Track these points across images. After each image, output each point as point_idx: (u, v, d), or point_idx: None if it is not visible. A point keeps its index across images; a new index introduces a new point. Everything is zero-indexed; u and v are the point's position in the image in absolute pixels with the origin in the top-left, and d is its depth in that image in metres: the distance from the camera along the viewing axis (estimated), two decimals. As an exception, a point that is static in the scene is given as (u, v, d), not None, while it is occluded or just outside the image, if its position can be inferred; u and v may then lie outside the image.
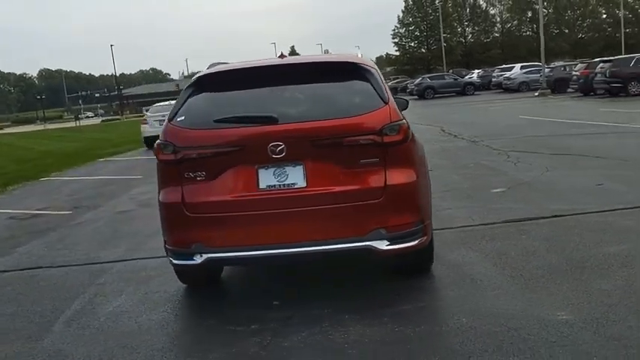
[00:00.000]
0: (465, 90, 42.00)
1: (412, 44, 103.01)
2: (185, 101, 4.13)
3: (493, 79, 43.57)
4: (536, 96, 31.50)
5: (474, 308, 3.86)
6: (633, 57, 25.84)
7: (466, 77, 47.28)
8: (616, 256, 4.63)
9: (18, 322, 4.45)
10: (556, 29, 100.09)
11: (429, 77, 44.89)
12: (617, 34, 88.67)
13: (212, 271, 4.62)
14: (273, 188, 3.86)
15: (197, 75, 4.35)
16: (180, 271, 4.50)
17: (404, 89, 54.09)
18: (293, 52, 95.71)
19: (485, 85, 44.18)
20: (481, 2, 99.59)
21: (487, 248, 5.13)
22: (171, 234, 4.12)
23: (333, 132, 3.83)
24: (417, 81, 45.19)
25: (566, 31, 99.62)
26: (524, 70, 40.65)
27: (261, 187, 3.87)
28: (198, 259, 3.96)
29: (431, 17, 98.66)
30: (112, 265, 5.77)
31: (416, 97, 42.33)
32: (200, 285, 4.74)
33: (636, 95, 23.75)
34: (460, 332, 3.55)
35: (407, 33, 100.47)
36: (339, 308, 4.05)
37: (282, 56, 4.57)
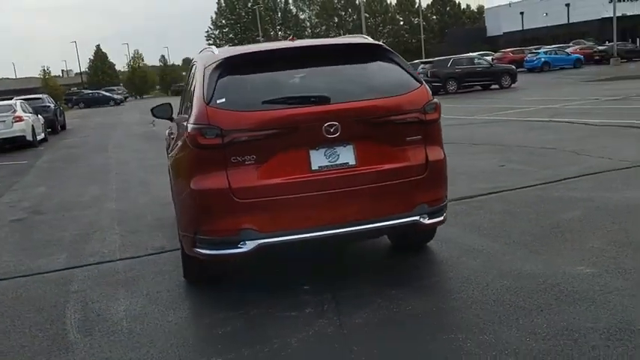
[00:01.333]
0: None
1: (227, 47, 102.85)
2: (216, 83, 3.92)
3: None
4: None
5: (504, 271, 4.19)
6: (450, 58, 28.64)
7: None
8: (579, 221, 5.28)
9: (19, 339, 3.89)
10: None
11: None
12: (413, 40, 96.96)
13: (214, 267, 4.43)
14: (325, 169, 3.84)
15: (222, 56, 4.14)
16: (188, 264, 4.31)
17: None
18: (98, 51, 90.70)
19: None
20: (291, 7, 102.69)
21: (460, 223, 5.50)
22: (211, 222, 3.88)
23: (383, 111, 3.92)
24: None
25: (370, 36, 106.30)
26: None
27: (313, 168, 3.84)
28: (247, 247, 3.80)
29: (244, 20, 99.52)
30: (70, 272, 5.22)
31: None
32: (204, 280, 4.51)
33: (453, 93, 26.36)
34: (511, 291, 3.84)
35: (221, 35, 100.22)
36: (377, 285, 4.15)
37: (293, 39, 4.54)
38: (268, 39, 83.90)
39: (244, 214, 3.79)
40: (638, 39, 54.41)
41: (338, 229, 3.86)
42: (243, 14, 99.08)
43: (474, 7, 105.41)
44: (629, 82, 23.26)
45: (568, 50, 43.38)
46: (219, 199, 3.80)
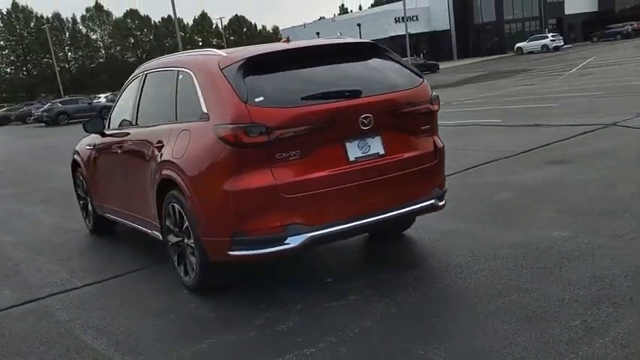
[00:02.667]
0: (102, 114, 41.17)
1: (8, 70, 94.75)
2: (244, 82, 3.91)
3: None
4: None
5: (498, 244, 4.71)
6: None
7: (95, 101, 46.12)
8: (517, 199, 6.04)
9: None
10: (159, 56, 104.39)
11: (59, 102, 42.38)
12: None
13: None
14: (360, 159, 4.03)
15: (242, 56, 4.10)
16: (208, 272, 4.23)
17: (25, 116, 49.65)
18: None
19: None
20: (81, 27, 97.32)
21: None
22: (256, 221, 3.84)
23: (404, 102, 4.22)
24: (47, 106, 42.24)
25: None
26: None
27: (350, 159, 4.00)
28: (295, 242, 3.84)
29: (27, 40, 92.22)
30: (38, 304, 4.72)
31: (44, 124, 39.83)
32: (216, 287, 4.41)
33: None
34: (518, 257, 4.35)
35: (1, 58, 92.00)
36: (393, 271, 4.44)
37: (287, 41, 4.63)
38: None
39: (291, 209, 3.84)
40: (421, 54, 60.80)
41: (375, 216, 4.07)
42: (26, 34, 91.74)
43: (269, 28, 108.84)
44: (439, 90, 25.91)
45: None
46: (266, 196, 3.80)
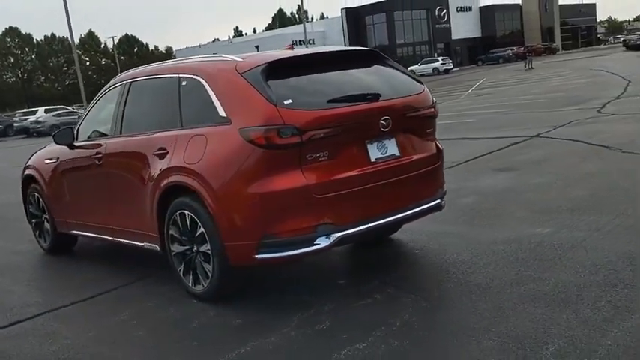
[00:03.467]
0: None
1: None
2: (268, 85, 3.95)
3: (16, 124, 41.91)
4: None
5: (490, 241, 4.99)
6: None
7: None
8: (483, 202, 6.40)
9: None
10: (42, 76, 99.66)
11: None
12: (103, 81, 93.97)
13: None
14: (380, 160, 4.17)
15: (262, 61, 4.12)
16: (226, 277, 4.19)
17: None
18: None
19: (2, 131, 41.48)
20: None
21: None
22: (288, 222, 3.86)
23: (416, 106, 4.42)
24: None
25: (53, 77, 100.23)
26: (52, 114, 40.99)
27: (371, 160, 4.13)
28: (325, 242, 3.90)
29: None
30: (34, 322, 4.44)
31: None
32: (228, 294, 4.37)
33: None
34: (519, 251, 4.64)
35: None
36: (404, 272, 4.60)
37: (291, 47, 4.71)
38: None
39: (322, 209, 3.91)
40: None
41: (394, 215, 4.23)
42: None
43: (162, 49, 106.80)
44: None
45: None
46: (298, 197, 3.85)
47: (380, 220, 4.16)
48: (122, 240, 5.27)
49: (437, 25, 68.92)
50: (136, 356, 3.70)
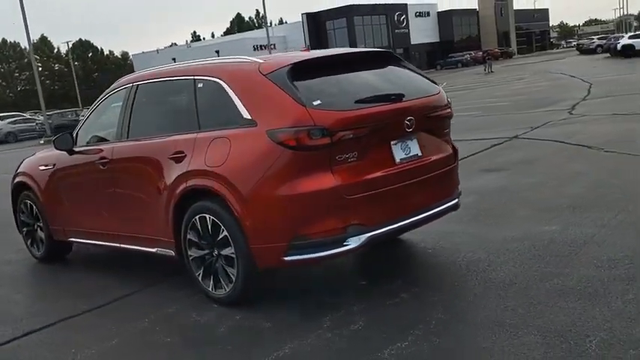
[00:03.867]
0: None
1: None
2: (295, 86, 3.94)
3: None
4: (41, 144, 31.30)
5: (503, 239, 5.07)
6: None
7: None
8: (482, 202, 6.50)
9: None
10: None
11: None
12: (56, 87, 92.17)
13: None
14: (404, 161, 4.19)
15: (287, 62, 4.11)
16: (251, 281, 4.16)
17: None
18: None
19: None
20: None
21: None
22: (318, 223, 3.85)
23: (435, 106, 4.46)
24: None
25: (4, 83, 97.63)
26: (7, 121, 40.33)
27: (397, 161, 4.15)
28: (354, 243, 3.90)
29: None
30: (44, 334, 4.31)
31: None
32: (257, 293, 4.33)
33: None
34: (533, 249, 4.73)
35: None
36: (423, 272, 4.65)
37: (307, 50, 4.70)
38: None
39: (352, 210, 3.91)
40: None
41: (418, 215, 4.26)
42: None
43: (117, 54, 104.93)
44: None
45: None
46: (329, 198, 3.84)
47: (406, 220, 4.19)
48: (130, 246, 5.17)
49: (396, 30, 69.75)
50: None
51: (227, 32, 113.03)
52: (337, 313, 3.97)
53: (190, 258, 4.51)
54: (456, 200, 4.64)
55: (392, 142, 4.16)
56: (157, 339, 3.97)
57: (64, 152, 5.70)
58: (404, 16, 70.65)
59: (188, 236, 4.47)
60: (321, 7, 71.01)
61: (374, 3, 68.73)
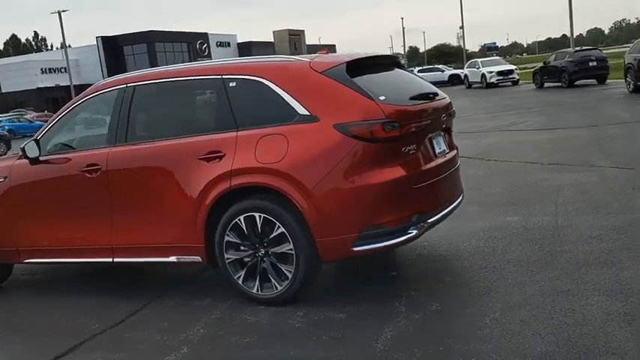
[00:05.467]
0: None
1: None
2: (355, 83, 4.11)
3: None
4: None
5: (474, 228, 5.65)
6: None
7: None
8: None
9: None
10: None
11: None
12: None
13: None
14: (440, 154, 4.55)
15: (342, 60, 4.24)
16: (310, 274, 4.21)
17: None
18: None
19: None
20: None
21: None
22: (390, 213, 4.02)
23: (451, 106, 4.87)
24: None
25: None
26: None
27: (437, 153, 4.50)
28: (416, 230, 4.15)
29: None
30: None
31: None
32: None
33: None
34: (508, 238, 5.38)
35: None
36: (444, 262, 5.03)
37: (326, 52, 4.84)
38: None
39: (415, 199, 4.17)
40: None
41: (450, 206, 4.61)
42: None
43: None
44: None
45: (27, 117, 43.15)
46: (400, 187, 4.06)
47: (446, 209, 4.52)
48: (129, 259, 4.79)
49: (198, 59, 69.56)
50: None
51: (1, 55, 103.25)
52: (404, 299, 4.16)
53: (228, 261, 4.36)
54: (463, 194, 5.08)
55: (432, 136, 4.50)
56: (229, 344, 3.81)
57: (24, 161, 5.07)
58: (206, 45, 70.95)
59: (227, 238, 4.32)
60: (116, 32, 68.10)
61: (175, 30, 68.06)
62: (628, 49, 20.77)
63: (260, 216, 4.19)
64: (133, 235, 4.71)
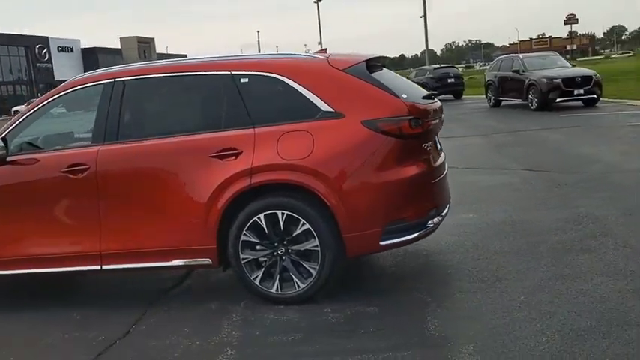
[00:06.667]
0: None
1: None
2: (374, 81, 4.22)
3: None
4: None
5: (444, 226, 5.94)
6: None
7: None
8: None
9: None
10: None
11: None
12: None
13: None
14: (440, 152, 4.77)
15: (361, 59, 4.31)
16: (335, 269, 4.21)
17: None
18: None
19: None
20: None
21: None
22: (414, 207, 4.17)
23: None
24: None
25: None
26: None
27: (439, 151, 4.71)
28: (432, 224, 4.33)
29: None
30: None
31: None
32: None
33: None
34: (482, 231, 5.77)
35: None
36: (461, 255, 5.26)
37: (325, 51, 4.87)
38: None
39: (434, 194, 4.37)
40: None
41: (449, 204, 4.83)
42: None
43: None
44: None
45: None
46: (423, 182, 4.24)
47: (445, 208, 4.71)
48: (121, 266, 4.46)
49: (38, 64, 64.85)
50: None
51: None
52: (418, 291, 4.31)
53: (244, 261, 4.24)
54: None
55: (436, 136, 4.71)
56: (277, 339, 3.72)
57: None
58: (46, 50, 66.14)
59: (243, 238, 4.20)
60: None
61: (10, 33, 62.75)
62: (488, 66, 22.80)
63: (283, 213, 4.12)
64: (127, 239, 4.39)
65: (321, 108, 4.14)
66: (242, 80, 4.31)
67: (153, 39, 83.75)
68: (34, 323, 4.40)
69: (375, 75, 4.39)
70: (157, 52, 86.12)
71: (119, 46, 77.69)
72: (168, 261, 4.34)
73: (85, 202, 4.41)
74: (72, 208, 4.47)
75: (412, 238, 4.23)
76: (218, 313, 4.23)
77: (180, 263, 4.34)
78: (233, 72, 4.35)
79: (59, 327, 4.23)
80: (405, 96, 4.22)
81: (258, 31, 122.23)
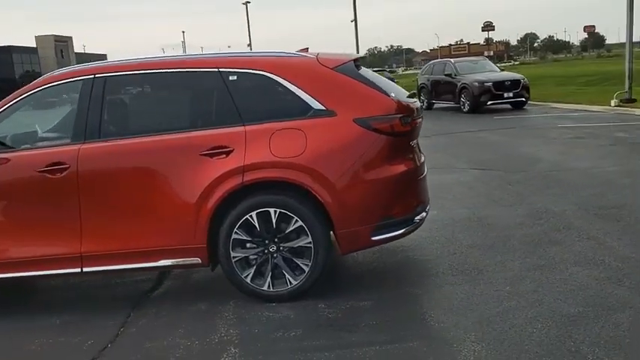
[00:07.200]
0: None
1: None
2: (365, 79, 4.30)
3: None
4: None
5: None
6: None
7: None
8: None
9: None
10: None
11: None
12: None
13: None
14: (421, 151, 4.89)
15: (349, 58, 4.36)
16: (324, 266, 4.27)
17: None
18: None
19: None
20: None
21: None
22: (403, 203, 4.27)
23: None
24: None
25: None
26: None
27: (421, 150, 4.83)
28: (419, 220, 4.44)
29: None
30: None
31: None
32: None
33: None
34: (452, 226, 5.97)
35: None
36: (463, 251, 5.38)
37: (306, 50, 4.88)
38: None
39: (419, 190, 4.48)
40: None
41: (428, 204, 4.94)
42: None
43: None
44: None
45: None
46: (412, 179, 4.36)
47: (427, 204, 4.83)
48: (103, 268, 4.32)
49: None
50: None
51: None
52: (407, 285, 4.41)
53: (235, 260, 4.21)
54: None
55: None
56: (280, 336, 3.72)
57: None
58: (-47, 47, 62.42)
59: (234, 236, 4.17)
60: None
61: None
62: (420, 70, 23.41)
63: (276, 211, 4.13)
64: (110, 240, 4.26)
65: (313, 106, 4.17)
66: (231, 78, 4.28)
67: (71, 37, 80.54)
68: (15, 331, 4.19)
69: (362, 73, 4.47)
70: (75, 51, 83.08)
71: (34, 45, 74.28)
72: (154, 262, 4.25)
73: (65, 203, 4.24)
74: (50, 209, 4.29)
75: (401, 234, 4.33)
76: (209, 312, 4.18)
77: (168, 263, 4.26)
78: (221, 69, 4.31)
79: (41, 333, 4.05)
80: (393, 94, 4.32)
81: (183, 31, 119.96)
